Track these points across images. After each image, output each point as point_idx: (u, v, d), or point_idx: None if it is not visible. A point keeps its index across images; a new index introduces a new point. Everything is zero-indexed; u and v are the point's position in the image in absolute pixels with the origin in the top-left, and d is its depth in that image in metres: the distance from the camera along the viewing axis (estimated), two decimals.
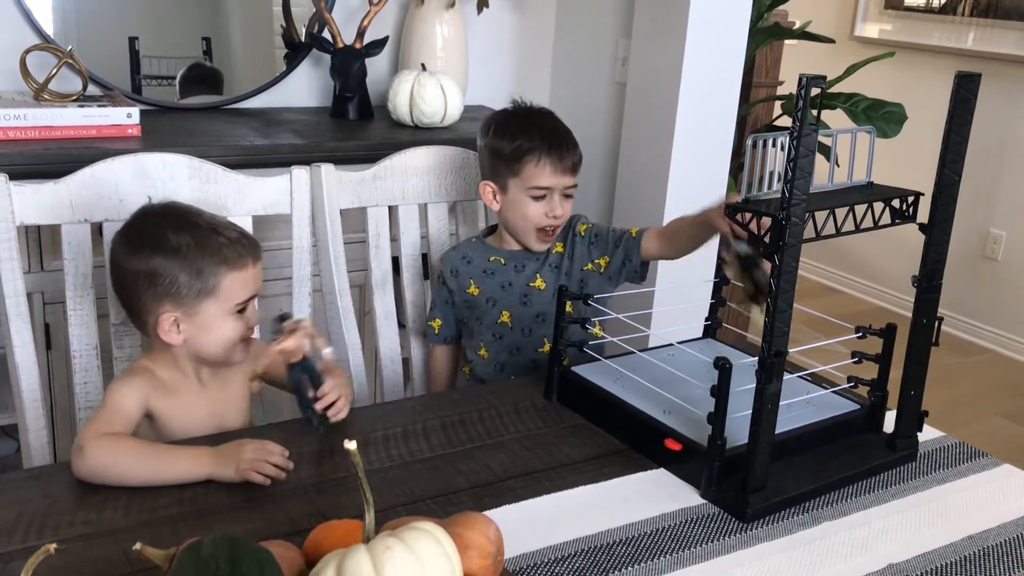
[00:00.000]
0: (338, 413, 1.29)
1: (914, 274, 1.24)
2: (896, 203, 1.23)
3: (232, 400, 1.39)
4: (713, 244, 1.55)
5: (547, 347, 1.65)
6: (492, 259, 1.70)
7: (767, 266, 1.29)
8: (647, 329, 1.44)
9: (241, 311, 1.31)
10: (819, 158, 1.30)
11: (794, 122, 1.02)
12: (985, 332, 3.94)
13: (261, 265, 1.35)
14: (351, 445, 0.78)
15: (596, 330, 1.45)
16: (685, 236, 1.57)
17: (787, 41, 3.25)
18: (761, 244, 1.09)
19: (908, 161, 3.19)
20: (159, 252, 1.26)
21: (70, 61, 1.98)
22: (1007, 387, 3.61)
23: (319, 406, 1.28)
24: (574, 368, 1.41)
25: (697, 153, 2.32)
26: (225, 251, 1.28)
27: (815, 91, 1.02)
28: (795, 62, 3.48)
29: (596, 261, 1.68)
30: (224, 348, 1.32)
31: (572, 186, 1.65)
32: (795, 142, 1.02)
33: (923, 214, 1.22)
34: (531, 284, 1.69)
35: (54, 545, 0.76)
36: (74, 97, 1.97)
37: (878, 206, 1.21)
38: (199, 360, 1.33)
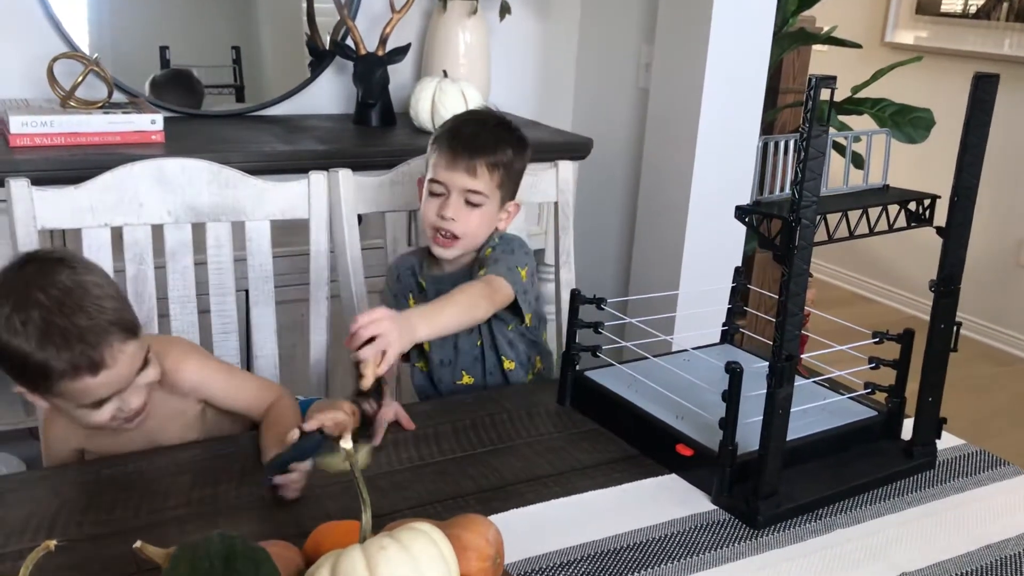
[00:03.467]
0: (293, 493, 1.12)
1: (928, 277, 1.22)
2: (912, 206, 1.21)
3: (168, 421, 1.29)
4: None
5: (466, 379, 1.59)
6: (420, 279, 1.62)
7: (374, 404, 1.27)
8: (661, 334, 1.43)
9: (100, 404, 1.16)
10: (838, 160, 1.29)
11: (803, 123, 1.01)
12: (1018, 341, 3.86)
13: (123, 366, 1.14)
14: (347, 445, 0.78)
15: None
16: None
17: (816, 47, 3.22)
18: (772, 246, 1.08)
19: (943, 167, 3.14)
20: None
21: (96, 69, 2.01)
22: None
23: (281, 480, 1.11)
24: (587, 373, 1.40)
25: (720, 159, 2.30)
26: (53, 374, 1.10)
27: (825, 92, 1.01)
28: (824, 68, 3.44)
29: None
30: (95, 427, 1.20)
31: (474, 191, 1.50)
32: (804, 144, 1.01)
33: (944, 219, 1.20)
34: None
35: (53, 542, 0.77)
36: (99, 104, 2.00)
37: (893, 209, 1.20)
38: None
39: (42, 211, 1.45)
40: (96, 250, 1.49)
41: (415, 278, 1.63)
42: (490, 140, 1.53)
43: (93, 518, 1.06)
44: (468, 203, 1.51)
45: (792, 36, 2.80)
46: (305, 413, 1.45)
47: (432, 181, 1.52)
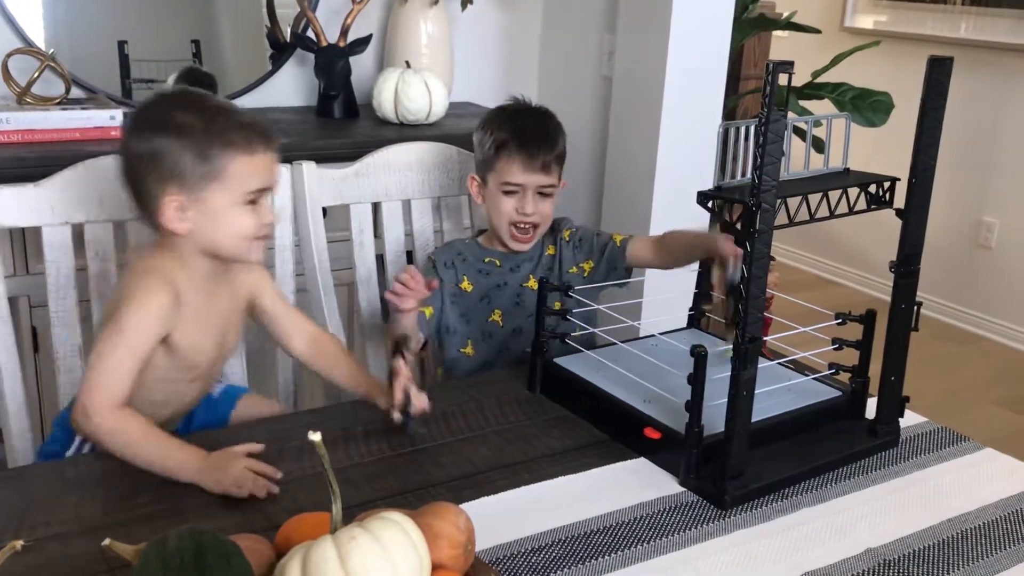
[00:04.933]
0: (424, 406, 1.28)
1: (892, 259, 1.24)
2: (873, 189, 1.23)
3: (234, 316, 1.38)
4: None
5: None
6: (487, 260, 1.70)
7: None
8: (629, 320, 1.43)
9: (253, 203, 1.26)
10: (799, 145, 1.31)
11: (762, 108, 1.02)
12: (980, 320, 3.93)
13: (276, 156, 1.29)
14: (315, 437, 0.78)
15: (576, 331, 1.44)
16: (682, 253, 1.58)
17: (777, 32, 3.25)
18: (733, 231, 1.09)
19: (903, 149, 3.19)
20: (163, 131, 1.22)
21: (52, 64, 1.98)
22: (1003, 375, 3.60)
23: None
24: (556, 360, 1.41)
25: (684, 145, 2.31)
26: (232, 133, 1.23)
27: (783, 77, 1.02)
28: (785, 53, 3.46)
29: (580, 265, 1.69)
30: (236, 242, 1.27)
31: (548, 185, 1.64)
32: (763, 128, 1.02)
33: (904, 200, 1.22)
34: (524, 285, 1.68)
35: (20, 542, 0.77)
36: (57, 100, 1.97)
37: (854, 192, 1.21)
38: (211, 255, 1.28)
39: (0, 210, 1.43)
40: (57, 248, 1.47)
41: (466, 263, 1.69)
42: (550, 135, 1.66)
43: (60, 517, 1.05)
44: (541, 195, 1.64)
45: (752, 22, 2.82)
46: (235, 402, 1.46)
47: (507, 183, 1.62)
